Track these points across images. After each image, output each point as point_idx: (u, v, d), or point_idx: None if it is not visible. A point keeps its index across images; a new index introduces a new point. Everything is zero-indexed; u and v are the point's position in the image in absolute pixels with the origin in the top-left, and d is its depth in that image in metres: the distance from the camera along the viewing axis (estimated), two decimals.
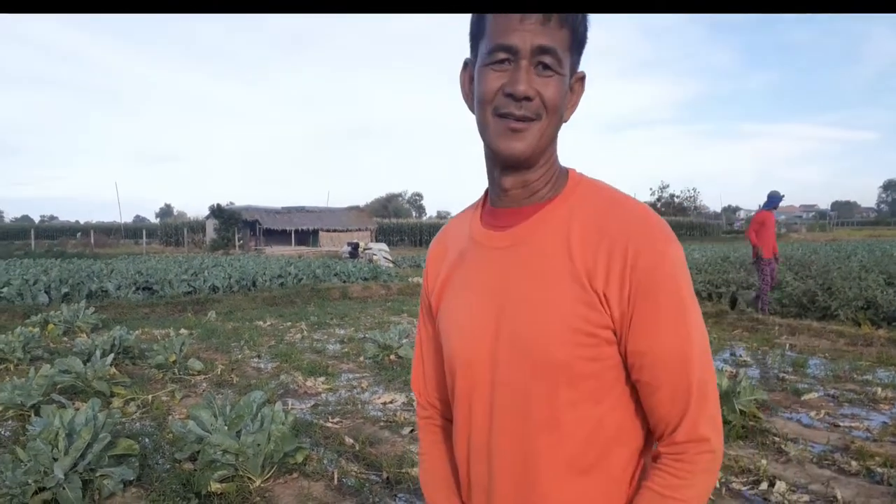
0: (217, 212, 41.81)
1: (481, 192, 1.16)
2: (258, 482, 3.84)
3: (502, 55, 0.94)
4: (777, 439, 4.53)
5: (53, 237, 46.65)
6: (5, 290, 12.43)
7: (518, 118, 0.95)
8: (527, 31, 0.92)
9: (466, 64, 1.06)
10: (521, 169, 1.01)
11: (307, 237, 43.04)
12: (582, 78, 1.03)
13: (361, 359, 7.59)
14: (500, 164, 1.02)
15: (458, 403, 1.09)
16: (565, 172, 1.06)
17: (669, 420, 0.95)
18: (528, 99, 0.94)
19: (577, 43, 0.98)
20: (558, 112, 0.98)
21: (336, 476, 3.98)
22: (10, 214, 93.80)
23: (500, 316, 1.01)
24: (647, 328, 0.93)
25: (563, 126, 1.02)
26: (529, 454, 1.00)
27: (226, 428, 3.94)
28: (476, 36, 1.01)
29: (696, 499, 0.94)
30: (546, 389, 0.97)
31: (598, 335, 0.94)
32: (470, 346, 1.05)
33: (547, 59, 0.94)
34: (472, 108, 1.03)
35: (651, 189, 70.96)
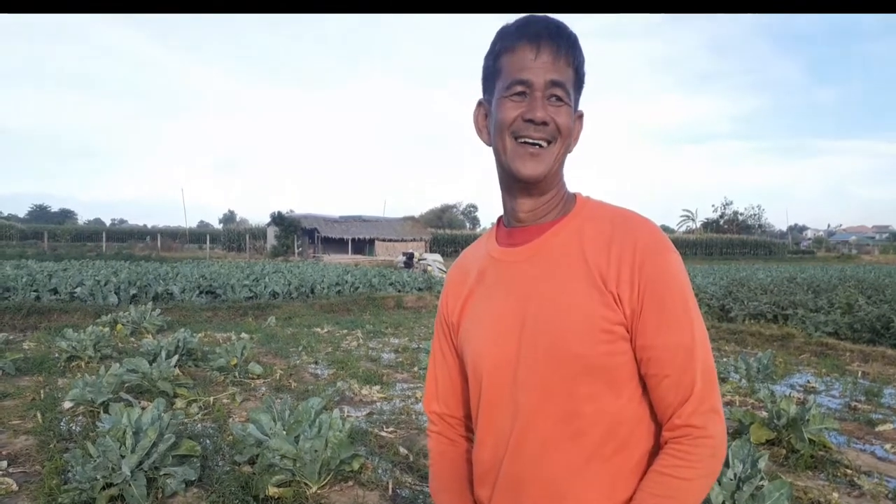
0: (278, 219, 42.87)
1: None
2: (314, 488, 3.88)
3: (519, 88, 1.07)
4: (849, 471, 4.31)
5: (123, 240, 48.76)
6: (79, 289, 13.04)
7: (536, 140, 1.07)
8: (540, 68, 1.06)
9: (480, 103, 1.19)
10: (535, 191, 1.13)
11: (363, 246, 43.65)
12: (581, 116, 1.15)
13: (416, 369, 7.61)
14: (516, 186, 1.13)
15: (483, 406, 1.17)
16: (573, 195, 1.18)
17: (674, 407, 1.04)
18: (544, 124, 1.06)
19: (579, 82, 1.11)
20: (569, 137, 1.10)
21: (391, 486, 3.98)
22: (84, 217, 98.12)
23: (523, 320, 1.10)
24: (654, 323, 1.03)
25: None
26: (553, 448, 1.07)
27: (284, 433, 4.00)
28: (491, 76, 1.13)
29: (696, 479, 1.02)
30: (567, 384, 1.06)
31: (614, 331, 1.04)
32: (496, 350, 1.13)
33: (558, 92, 1.07)
34: (486, 141, 1.17)
35: (714, 206, 69.02)
